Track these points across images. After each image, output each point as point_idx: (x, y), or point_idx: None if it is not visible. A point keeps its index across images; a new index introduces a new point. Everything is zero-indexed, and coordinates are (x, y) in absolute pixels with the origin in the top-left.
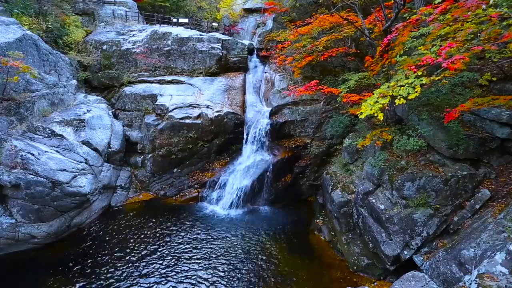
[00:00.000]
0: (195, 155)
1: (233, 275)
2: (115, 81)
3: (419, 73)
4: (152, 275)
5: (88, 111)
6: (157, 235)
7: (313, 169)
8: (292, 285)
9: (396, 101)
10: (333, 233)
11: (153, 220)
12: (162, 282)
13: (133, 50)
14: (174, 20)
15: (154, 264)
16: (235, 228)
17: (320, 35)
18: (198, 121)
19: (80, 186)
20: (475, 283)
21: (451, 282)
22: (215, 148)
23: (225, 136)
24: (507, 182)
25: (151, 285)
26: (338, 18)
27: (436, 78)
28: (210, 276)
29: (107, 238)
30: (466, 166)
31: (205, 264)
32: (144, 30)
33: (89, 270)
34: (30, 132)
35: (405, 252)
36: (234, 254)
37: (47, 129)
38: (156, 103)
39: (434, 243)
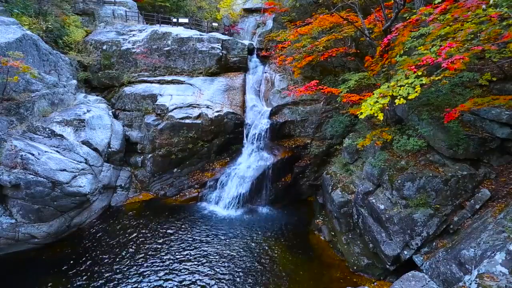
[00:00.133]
0: (195, 155)
1: (233, 275)
2: (115, 81)
3: (419, 73)
4: (152, 275)
5: (88, 111)
6: (157, 235)
7: (313, 169)
8: (292, 285)
9: (396, 101)
10: (333, 233)
11: (153, 220)
12: (162, 282)
13: (133, 50)
14: (174, 20)
15: (154, 264)
16: (235, 228)
17: (320, 35)
18: (198, 121)
19: (80, 186)
20: (475, 283)
21: (451, 282)
22: (215, 148)
23: (225, 136)
24: (507, 182)
25: (151, 285)
26: (338, 18)
27: (436, 78)
28: (210, 276)
29: (107, 238)
30: (466, 166)
31: (205, 264)
32: (144, 30)
33: (89, 270)
34: (30, 132)
35: (405, 252)
36: (234, 254)
37: (47, 129)
38: (156, 103)
39: (434, 243)
